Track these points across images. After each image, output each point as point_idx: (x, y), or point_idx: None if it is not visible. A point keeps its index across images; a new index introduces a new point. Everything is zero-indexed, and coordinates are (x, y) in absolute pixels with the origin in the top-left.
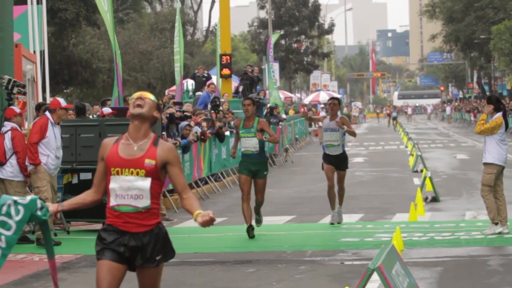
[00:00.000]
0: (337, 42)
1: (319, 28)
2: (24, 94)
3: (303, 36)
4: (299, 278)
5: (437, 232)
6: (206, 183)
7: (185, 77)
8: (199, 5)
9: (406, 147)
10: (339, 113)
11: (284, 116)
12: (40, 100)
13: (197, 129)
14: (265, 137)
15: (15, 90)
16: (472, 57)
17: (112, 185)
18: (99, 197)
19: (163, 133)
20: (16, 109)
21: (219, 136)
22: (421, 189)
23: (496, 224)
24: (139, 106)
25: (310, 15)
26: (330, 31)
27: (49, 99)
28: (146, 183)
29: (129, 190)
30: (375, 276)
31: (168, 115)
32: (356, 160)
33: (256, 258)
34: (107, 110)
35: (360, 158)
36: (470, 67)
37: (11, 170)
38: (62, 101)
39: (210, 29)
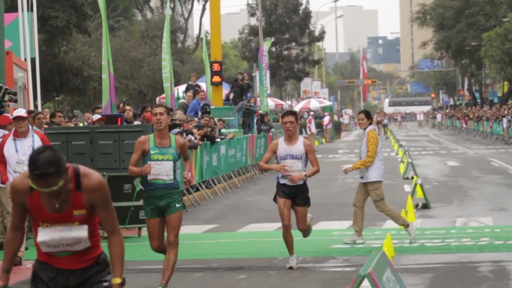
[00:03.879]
0: (328, 49)
1: (309, 35)
2: (16, 101)
3: (293, 43)
4: (290, 285)
5: (428, 239)
6: (197, 190)
7: (176, 84)
8: (190, 12)
9: (397, 154)
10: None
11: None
12: (32, 107)
13: (190, 137)
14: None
15: (7, 97)
16: (463, 64)
17: (41, 238)
18: (23, 236)
19: None
20: (11, 116)
21: (210, 139)
22: (412, 196)
23: (408, 226)
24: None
25: (300, 22)
26: (320, 38)
27: (40, 107)
28: (82, 232)
29: (63, 240)
30: (366, 283)
31: None
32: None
33: (247, 265)
34: (96, 116)
35: (350, 165)
36: (461, 74)
37: None
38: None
39: (201, 36)
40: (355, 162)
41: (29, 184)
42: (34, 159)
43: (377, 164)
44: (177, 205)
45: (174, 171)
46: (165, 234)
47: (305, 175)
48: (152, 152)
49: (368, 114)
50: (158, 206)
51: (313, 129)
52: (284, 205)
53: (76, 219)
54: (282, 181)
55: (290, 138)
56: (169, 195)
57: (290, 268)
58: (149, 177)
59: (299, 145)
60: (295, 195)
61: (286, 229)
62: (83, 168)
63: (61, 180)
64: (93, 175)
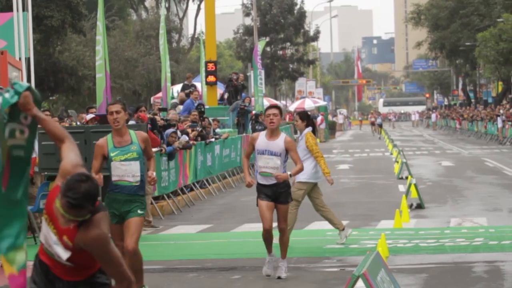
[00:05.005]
0: (323, 49)
1: (304, 35)
2: None
3: (288, 43)
4: (284, 285)
5: (422, 239)
6: (192, 190)
7: (171, 84)
8: (185, 12)
9: (391, 154)
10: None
11: None
12: None
13: (184, 137)
14: (149, 178)
15: None
16: (457, 64)
17: (43, 227)
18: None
19: None
20: None
21: (202, 137)
22: (406, 196)
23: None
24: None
25: (295, 22)
26: (315, 38)
27: None
28: (64, 254)
29: (50, 247)
30: (360, 283)
31: (149, 121)
32: (341, 167)
33: (241, 265)
34: (90, 116)
35: (345, 165)
36: (455, 74)
37: None
38: None
39: (196, 36)
40: (323, 170)
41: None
42: (74, 186)
43: (310, 164)
44: (138, 211)
45: (142, 172)
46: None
47: (290, 174)
48: (112, 154)
49: (303, 116)
50: (119, 212)
51: None
52: (266, 207)
53: (62, 241)
54: (261, 182)
55: (272, 133)
56: (131, 201)
57: (267, 275)
58: (113, 178)
59: (279, 142)
60: (276, 194)
61: (267, 232)
62: (97, 216)
63: (89, 214)
64: (92, 230)
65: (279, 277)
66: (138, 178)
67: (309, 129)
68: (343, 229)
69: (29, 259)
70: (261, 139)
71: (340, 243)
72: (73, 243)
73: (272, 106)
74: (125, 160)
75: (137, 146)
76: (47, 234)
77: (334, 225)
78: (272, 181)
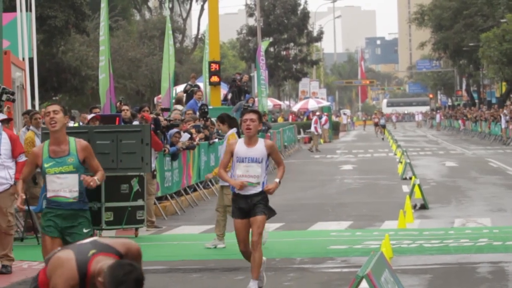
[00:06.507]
0: (326, 50)
1: (308, 35)
2: (13, 101)
3: (292, 44)
4: (288, 286)
5: (426, 240)
6: (195, 190)
7: (174, 84)
8: (188, 12)
9: (395, 154)
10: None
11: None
12: (29, 107)
13: (186, 136)
14: (81, 178)
15: (4, 97)
16: (461, 65)
17: None
18: None
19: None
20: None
21: (207, 138)
22: (410, 196)
23: (219, 240)
24: None
25: (299, 22)
26: (319, 38)
27: (38, 106)
28: None
29: None
30: (364, 284)
31: (153, 121)
32: (345, 168)
33: (244, 266)
34: (91, 115)
35: (349, 165)
36: (459, 75)
37: None
38: None
39: (199, 36)
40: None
41: None
42: (124, 280)
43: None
44: (84, 230)
45: (81, 185)
46: None
47: (279, 181)
48: (45, 165)
49: (222, 119)
50: (60, 227)
51: (319, 130)
52: (242, 227)
53: None
54: (237, 191)
55: (250, 140)
56: (74, 216)
57: None
58: (48, 194)
59: (260, 147)
60: (253, 206)
61: (244, 254)
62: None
63: None
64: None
65: None
66: (76, 194)
67: (233, 130)
68: (221, 240)
69: (31, 259)
70: (240, 146)
71: (207, 246)
72: None
73: (250, 111)
74: (60, 173)
75: (74, 158)
76: None
77: (217, 231)
78: (249, 191)
